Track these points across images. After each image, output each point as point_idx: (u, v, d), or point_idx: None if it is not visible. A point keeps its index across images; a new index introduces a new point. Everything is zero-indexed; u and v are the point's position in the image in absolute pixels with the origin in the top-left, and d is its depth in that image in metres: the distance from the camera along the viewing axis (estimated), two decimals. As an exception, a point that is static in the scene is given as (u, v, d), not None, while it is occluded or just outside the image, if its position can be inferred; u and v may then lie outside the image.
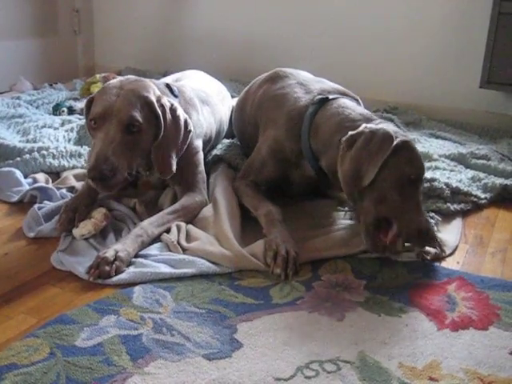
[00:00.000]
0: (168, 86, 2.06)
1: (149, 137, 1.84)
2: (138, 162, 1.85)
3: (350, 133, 1.77)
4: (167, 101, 1.89)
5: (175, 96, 2.05)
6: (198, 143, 2.13)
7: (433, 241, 1.70)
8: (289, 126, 1.98)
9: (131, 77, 1.96)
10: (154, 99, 1.84)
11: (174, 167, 1.88)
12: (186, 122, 1.94)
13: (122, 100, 1.79)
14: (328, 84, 2.12)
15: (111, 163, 1.71)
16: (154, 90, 1.89)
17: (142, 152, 1.84)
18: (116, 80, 1.91)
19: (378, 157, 1.69)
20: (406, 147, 1.73)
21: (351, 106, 1.93)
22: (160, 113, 1.83)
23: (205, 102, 2.28)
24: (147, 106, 1.82)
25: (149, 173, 1.98)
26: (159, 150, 1.85)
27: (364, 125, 1.78)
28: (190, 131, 1.95)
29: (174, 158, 1.89)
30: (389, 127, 1.78)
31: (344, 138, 1.77)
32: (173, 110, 1.89)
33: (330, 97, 1.97)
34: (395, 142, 1.71)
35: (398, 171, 1.70)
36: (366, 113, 1.92)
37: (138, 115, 1.78)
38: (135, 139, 1.79)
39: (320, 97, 1.98)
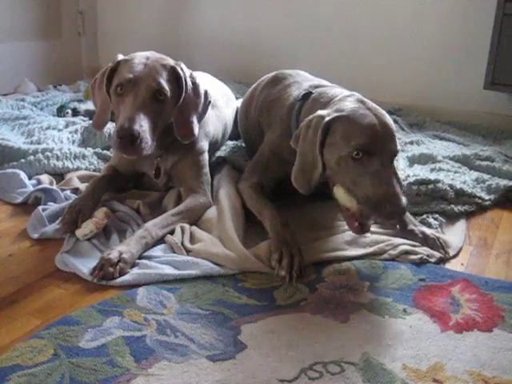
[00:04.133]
0: None
1: (172, 105, 1.91)
2: (160, 130, 1.90)
3: (296, 132, 1.79)
4: (187, 68, 1.99)
5: None
6: (204, 144, 2.13)
7: (399, 207, 1.56)
8: (283, 127, 1.99)
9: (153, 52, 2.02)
10: (180, 71, 1.94)
11: (196, 131, 1.97)
12: (206, 92, 2.04)
13: (150, 68, 1.88)
14: (323, 82, 2.10)
15: (141, 125, 1.77)
16: (176, 63, 1.97)
17: (165, 121, 1.91)
18: (140, 52, 1.98)
19: (314, 143, 1.68)
20: (340, 122, 1.65)
21: (326, 92, 1.88)
22: (182, 76, 1.93)
23: (212, 106, 2.28)
24: (171, 73, 1.92)
25: (162, 157, 2.02)
26: (181, 113, 1.93)
27: (309, 116, 1.74)
28: (209, 102, 2.06)
29: (196, 122, 1.96)
30: (334, 109, 1.70)
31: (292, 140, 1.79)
32: (193, 78, 1.99)
33: (313, 90, 1.95)
34: (325, 121, 1.66)
35: (336, 150, 1.65)
36: (332, 94, 1.84)
37: (164, 84, 1.87)
38: (160, 107, 1.86)
39: (304, 92, 1.97)
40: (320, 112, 1.71)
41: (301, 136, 1.74)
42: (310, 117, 1.73)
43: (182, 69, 1.95)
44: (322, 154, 1.69)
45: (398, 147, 1.68)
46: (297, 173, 1.76)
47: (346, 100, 1.74)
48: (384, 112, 1.73)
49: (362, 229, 1.67)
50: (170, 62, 1.95)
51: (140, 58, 1.92)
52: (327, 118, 1.67)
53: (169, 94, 1.87)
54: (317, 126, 1.68)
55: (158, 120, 1.86)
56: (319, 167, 1.69)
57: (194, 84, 1.99)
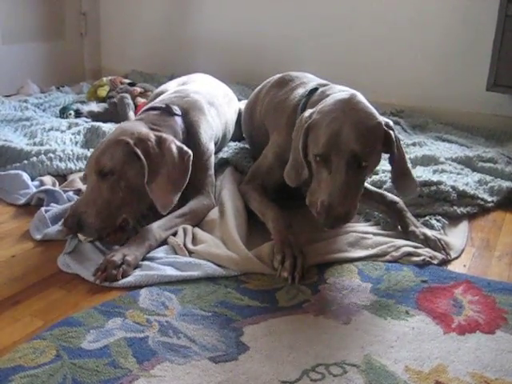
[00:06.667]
0: (167, 107, 2.05)
1: (130, 179, 1.79)
2: (129, 205, 1.81)
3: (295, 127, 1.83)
4: (152, 137, 1.84)
5: (177, 115, 2.04)
6: (211, 146, 2.14)
7: (334, 215, 1.59)
8: (288, 127, 1.98)
9: (122, 125, 1.96)
10: (131, 141, 1.79)
11: (174, 201, 1.82)
12: (181, 150, 1.88)
13: (97, 151, 1.83)
14: (330, 83, 2.11)
15: (78, 219, 1.72)
16: (135, 132, 1.84)
17: (127, 195, 1.79)
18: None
19: (298, 143, 1.74)
20: (315, 127, 1.69)
21: (333, 87, 1.90)
22: (139, 151, 1.78)
23: (211, 104, 2.28)
24: (122, 149, 1.78)
25: None
26: (153, 188, 1.79)
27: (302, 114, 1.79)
28: (189, 158, 1.88)
29: (174, 191, 1.82)
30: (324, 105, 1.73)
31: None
32: (160, 143, 1.84)
33: (320, 87, 1.95)
34: (306, 125, 1.71)
35: (310, 151, 1.72)
36: (338, 90, 1.86)
37: (108, 161, 1.77)
38: (113, 184, 1.77)
39: (311, 88, 1.98)
40: (306, 112, 1.76)
41: (294, 134, 1.80)
42: (301, 116, 1.77)
43: (143, 141, 1.80)
44: (307, 153, 1.75)
45: (360, 153, 1.62)
46: (289, 167, 1.82)
47: (332, 98, 1.76)
48: (365, 114, 1.69)
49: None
50: (127, 136, 1.81)
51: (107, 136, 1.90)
52: (306, 123, 1.72)
53: (116, 167, 1.76)
54: (300, 127, 1.75)
55: (115, 197, 1.77)
56: (305, 167, 1.75)
57: (163, 150, 1.83)
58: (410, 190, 1.82)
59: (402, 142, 2.74)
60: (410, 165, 1.84)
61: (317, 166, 1.68)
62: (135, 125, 1.93)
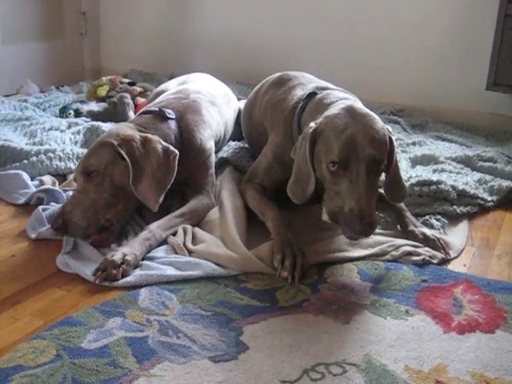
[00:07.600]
0: (161, 111, 2.04)
1: (115, 179, 1.81)
2: (115, 206, 1.82)
3: (296, 144, 1.78)
4: (137, 137, 1.86)
5: (170, 119, 2.03)
6: (211, 145, 2.14)
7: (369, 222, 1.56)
8: (286, 128, 1.98)
9: (111, 128, 2.01)
10: (115, 142, 1.82)
11: (160, 200, 1.83)
12: (167, 150, 1.88)
13: (85, 155, 1.88)
14: (329, 85, 2.10)
15: (64, 219, 1.75)
16: (120, 133, 1.86)
17: (112, 196, 1.81)
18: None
19: (304, 153, 1.69)
20: (321, 134, 1.67)
21: (333, 94, 1.88)
22: (123, 152, 1.81)
23: (212, 103, 2.28)
24: (106, 150, 1.82)
25: None
26: (138, 187, 1.81)
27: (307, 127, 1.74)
28: (175, 157, 1.89)
29: (158, 190, 1.84)
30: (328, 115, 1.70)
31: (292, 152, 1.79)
32: (144, 144, 1.86)
33: (318, 91, 1.94)
34: (310, 131, 1.68)
35: (319, 161, 1.68)
36: (337, 97, 1.84)
37: (93, 162, 1.81)
38: (98, 184, 1.80)
39: (309, 92, 1.97)
40: (312, 123, 1.72)
41: (297, 147, 1.75)
42: (308, 127, 1.73)
43: (127, 142, 1.83)
44: (313, 164, 1.70)
45: (377, 156, 1.61)
46: (292, 184, 1.77)
47: (336, 107, 1.74)
48: (373, 120, 1.68)
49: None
50: (112, 138, 1.84)
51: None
52: (312, 129, 1.68)
53: (101, 167, 1.80)
54: (306, 137, 1.70)
55: (101, 195, 1.79)
56: (312, 177, 1.70)
57: (148, 150, 1.85)
58: (401, 198, 1.83)
59: (401, 142, 2.78)
60: (401, 171, 1.84)
61: (332, 175, 1.63)
62: (122, 127, 1.95)
